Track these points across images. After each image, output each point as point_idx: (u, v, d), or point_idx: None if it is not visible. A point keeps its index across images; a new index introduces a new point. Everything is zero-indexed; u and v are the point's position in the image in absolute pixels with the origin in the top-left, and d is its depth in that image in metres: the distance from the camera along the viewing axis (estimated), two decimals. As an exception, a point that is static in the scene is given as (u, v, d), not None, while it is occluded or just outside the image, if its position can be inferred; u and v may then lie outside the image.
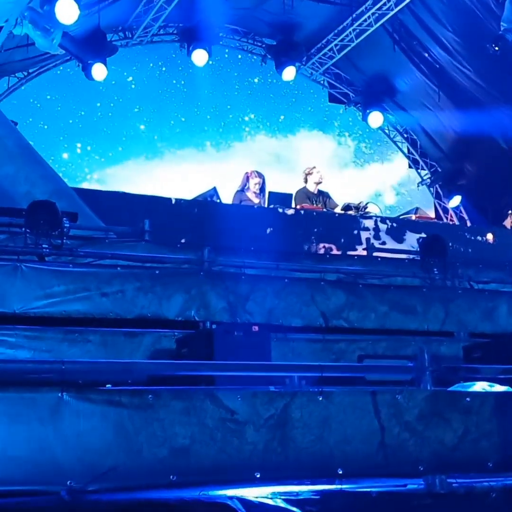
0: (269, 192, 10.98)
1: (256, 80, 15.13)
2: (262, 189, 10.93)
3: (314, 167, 11.49)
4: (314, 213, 10.60)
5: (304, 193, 11.27)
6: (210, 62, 13.87)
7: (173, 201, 9.81)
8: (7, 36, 10.05)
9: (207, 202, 10.57)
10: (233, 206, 10.67)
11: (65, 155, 13.58)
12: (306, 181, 11.42)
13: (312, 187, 11.34)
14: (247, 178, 10.98)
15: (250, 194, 10.90)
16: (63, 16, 10.17)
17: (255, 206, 10.69)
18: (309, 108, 15.59)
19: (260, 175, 11.02)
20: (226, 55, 14.82)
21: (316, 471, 4.31)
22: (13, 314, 6.27)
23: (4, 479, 3.70)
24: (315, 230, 10.19)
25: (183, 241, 8.25)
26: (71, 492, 3.77)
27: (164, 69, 14.44)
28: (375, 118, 15.12)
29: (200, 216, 9.84)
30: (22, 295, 6.35)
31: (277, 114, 15.36)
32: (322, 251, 9.92)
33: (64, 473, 3.86)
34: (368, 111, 15.03)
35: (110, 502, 3.83)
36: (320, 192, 11.38)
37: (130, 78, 14.08)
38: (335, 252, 10.02)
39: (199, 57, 13.54)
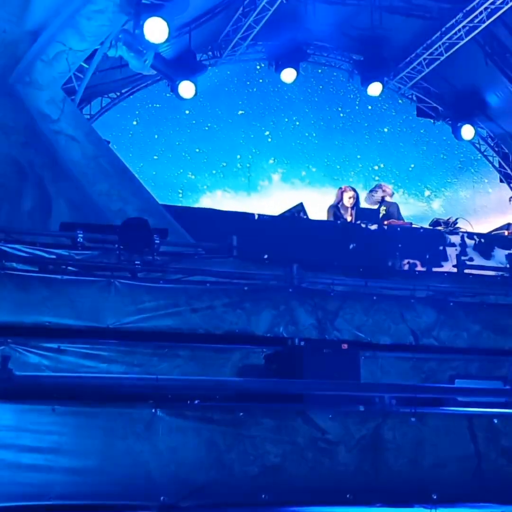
0: (356, 208, 10.91)
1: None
2: (356, 204, 10.86)
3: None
4: (398, 228, 10.46)
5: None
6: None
7: (256, 217, 9.86)
8: (102, 58, 10.37)
9: (288, 218, 10.58)
10: (314, 221, 10.63)
11: (153, 172, 13.83)
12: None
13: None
14: (341, 194, 10.95)
15: (343, 210, 10.86)
16: (153, 35, 10.40)
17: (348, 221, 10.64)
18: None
19: (353, 189, 10.98)
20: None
21: (410, 495, 4.22)
22: (106, 329, 6.40)
23: (101, 493, 3.78)
24: (400, 245, 10.03)
25: (265, 257, 8.27)
26: (164, 508, 3.82)
27: (254, 89, 14.55)
28: (467, 132, 14.84)
29: (283, 231, 9.85)
30: (115, 310, 6.48)
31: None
32: (406, 267, 9.76)
33: (157, 489, 3.91)
34: (459, 124, 14.75)
35: (202, 518, 3.86)
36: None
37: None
38: (419, 268, 9.84)
39: (288, 75, 13.63)
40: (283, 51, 13.46)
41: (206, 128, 14.11)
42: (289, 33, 13.00)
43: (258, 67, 14.42)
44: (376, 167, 14.88)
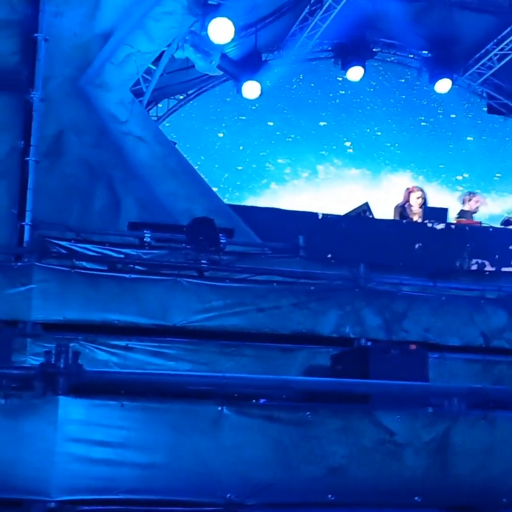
0: (424, 207, 10.75)
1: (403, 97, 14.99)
2: (424, 204, 10.71)
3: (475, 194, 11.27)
4: (467, 228, 10.25)
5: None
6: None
7: (320, 216, 9.81)
8: (169, 59, 10.50)
9: (353, 217, 10.50)
10: (379, 221, 10.53)
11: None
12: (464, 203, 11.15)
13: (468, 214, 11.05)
14: (408, 194, 10.82)
15: (410, 210, 10.73)
16: (218, 36, 10.46)
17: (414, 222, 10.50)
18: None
19: (421, 190, 10.83)
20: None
21: (478, 500, 4.13)
22: (173, 327, 6.47)
23: (168, 488, 3.82)
24: (468, 245, 9.83)
25: (329, 256, 8.21)
26: (230, 505, 3.83)
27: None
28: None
29: (348, 231, 9.78)
30: (182, 308, 6.55)
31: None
32: (475, 267, 9.56)
33: (223, 486, 3.92)
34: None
35: (268, 517, 3.85)
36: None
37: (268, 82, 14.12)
38: (488, 268, 9.63)
39: (355, 73, 13.57)
40: (350, 49, 13.38)
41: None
42: (356, 30, 12.92)
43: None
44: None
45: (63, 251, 6.84)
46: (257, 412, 4.15)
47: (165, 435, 3.91)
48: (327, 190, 13.85)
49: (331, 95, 14.64)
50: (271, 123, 14.13)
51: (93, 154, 8.50)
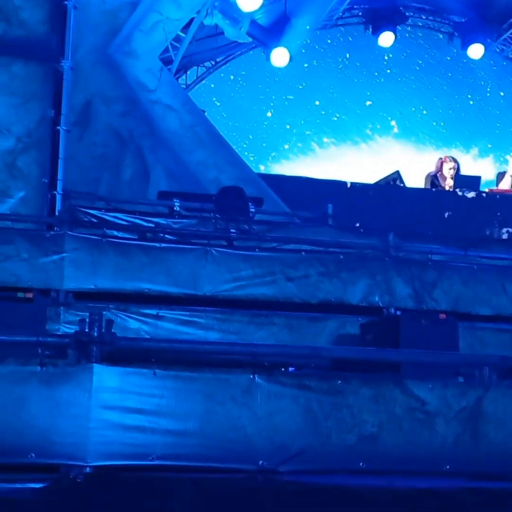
0: (455, 175, 10.63)
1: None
2: (457, 174, 10.60)
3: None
4: (497, 196, 10.12)
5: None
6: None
7: (349, 185, 9.74)
8: (198, 26, 10.41)
9: (382, 186, 10.41)
10: (408, 189, 10.42)
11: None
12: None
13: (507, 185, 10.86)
14: (441, 163, 10.71)
15: (442, 179, 10.62)
16: (247, 2, 10.34)
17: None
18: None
19: (454, 160, 10.71)
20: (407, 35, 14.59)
21: (509, 468, 4.14)
22: (203, 296, 6.51)
23: (201, 455, 3.87)
24: (498, 214, 9.70)
25: (358, 225, 8.16)
26: (263, 471, 3.87)
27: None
28: None
29: (376, 199, 9.70)
30: (212, 278, 6.57)
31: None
32: (505, 237, 9.45)
33: (256, 453, 3.97)
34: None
35: (300, 484, 3.89)
36: None
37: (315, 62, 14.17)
38: (519, 237, 9.52)
39: (386, 39, 13.39)
40: (381, 14, 13.18)
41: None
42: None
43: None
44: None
45: (94, 220, 6.88)
46: (288, 381, 4.18)
47: (197, 403, 3.96)
48: (371, 166, 13.78)
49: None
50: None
51: (122, 123, 8.50)
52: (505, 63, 14.85)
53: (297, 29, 12.18)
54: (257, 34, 11.80)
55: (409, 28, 14.46)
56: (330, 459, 4.07)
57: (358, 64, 14.46)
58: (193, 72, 13.21)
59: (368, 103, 14.53)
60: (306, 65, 14.11)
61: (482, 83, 15.00)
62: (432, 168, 10.74)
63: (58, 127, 7.35)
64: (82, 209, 6.97)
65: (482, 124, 14.63)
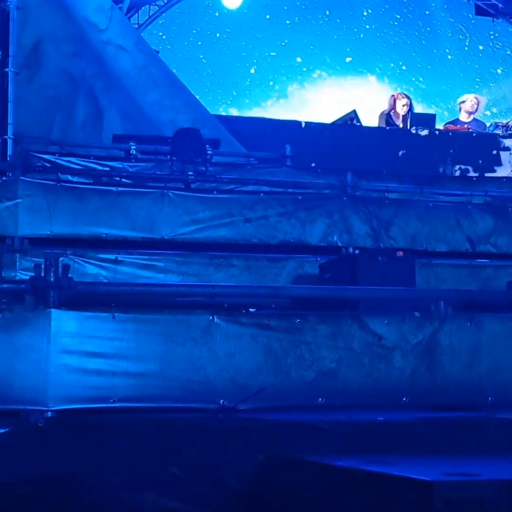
0: (411, 113, 10.62)
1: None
2: (410, 111, 10.57)
3: (470, 95, 10.99)
4: (450, 134, 10.15)
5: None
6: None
7: (303, 125, 9.68)
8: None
9: (336, 125, 10.36)
10: (362, 128, 10.38)
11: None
12: (460, 111, 10.93)
13: (464, 117, 10.85)
14: (394, 101, 10.65)
15: (396, 117, 10.59)
16: None
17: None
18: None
19: (407, 96, 10.66)
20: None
21: (465, 399, 4.26)
22: (161, 240, 6.48)
23: (162, 396, 3.91)
24: (451, 151, 9.75)
25: (313, 165, 8.13)
26: (224, 410, 3.92)
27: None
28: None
29: (332, 139, 9.66)
30: (170, 221, 6.53)
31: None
32: (458, 173, 9.52)
33: (217, 392, 4.02)
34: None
35: (260, 421, 3.96)
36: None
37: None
38: (471, 174, 9.59)
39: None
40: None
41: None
42: None
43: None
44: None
45: (48, 165, 6.74)
46: (247, 321, 4.21)
47: (157, 345, 3.98)
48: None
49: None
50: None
51: (73, 64, 8.26)
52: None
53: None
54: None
55: None
56: (290, 395, 4.15)
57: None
58: (145, 11, 12.90)
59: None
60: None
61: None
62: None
63: (6, 70, 7.14)
64: (35, 154, 6.81)
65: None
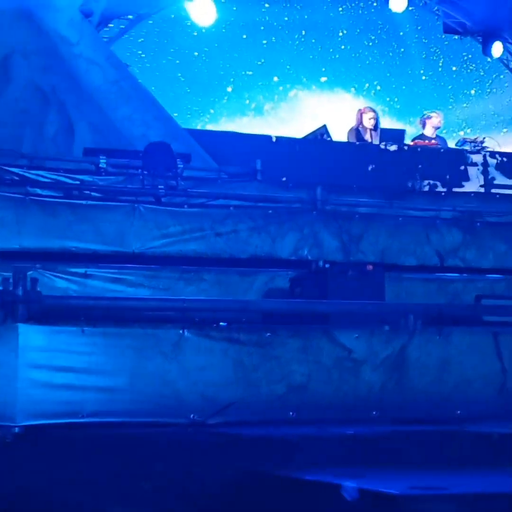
0: (380, 129, 10.74)
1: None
2: (376, 125, 10.68)
3: (434, 111, 11.12)
4: (418, 149, 10.29)
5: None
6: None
7: (274, 139, 9.73)
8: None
9: (306, 140, 10.43)
10: (333, 143, 10.47)
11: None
12: (423, 127, 11.07)
13: (429, 132, 10.99)
14: (360, 115, 10.76)
15: (364, 131, 10.70)
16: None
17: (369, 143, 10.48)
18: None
19: (373, 110, 10.77)
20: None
21: (434, 412, 4.29)
22: (132, 253, 6.45)
23: (131, 410, 3.89)
24: (420, 166, 9.87)
25: (284, 179, 8.18)
26: (194, 425, 3.91)
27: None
28: (496, 48, 14.40)
29: (302, 154, 9.73)
30: (140, 235, 6.52)
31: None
32: (427, 188, 9.65)
33: (186, 407, 4.01)
34: (488, 40, 14.30)
35: (230, 435, 3.95)
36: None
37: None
38: (440, 189, 9.73)
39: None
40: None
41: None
42: None
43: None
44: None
45: (16, 178, 6.69)
46: (217, 335, 4.21)
47: (127, 359, 3.96)
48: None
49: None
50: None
51: (44, 77, 8.23)
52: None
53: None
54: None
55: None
56: (260, 410, 4.15)
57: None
58: (116, 24, 12.91)
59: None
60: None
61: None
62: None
63: (-24, 83, 7.08)
64: (4, 167, 6.76)
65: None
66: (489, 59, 15.11)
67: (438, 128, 11.02)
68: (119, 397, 3.90)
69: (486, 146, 10.39)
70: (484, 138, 10.63)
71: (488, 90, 15.60)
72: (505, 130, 15.20)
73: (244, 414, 4.14)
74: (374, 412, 4.21)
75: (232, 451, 3.90)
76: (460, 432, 4.17)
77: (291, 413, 4.14)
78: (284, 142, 9.73)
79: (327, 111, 14.32)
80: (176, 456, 3.78)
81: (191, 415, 3.98)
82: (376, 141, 10.56)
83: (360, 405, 4.24)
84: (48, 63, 8.28)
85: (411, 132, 12.66)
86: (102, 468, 3.69)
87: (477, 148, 10.28)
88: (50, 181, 6.79)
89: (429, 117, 10.97)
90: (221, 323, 5.19)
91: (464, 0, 14.35)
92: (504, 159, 10.19)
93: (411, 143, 10.70)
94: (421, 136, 11.01)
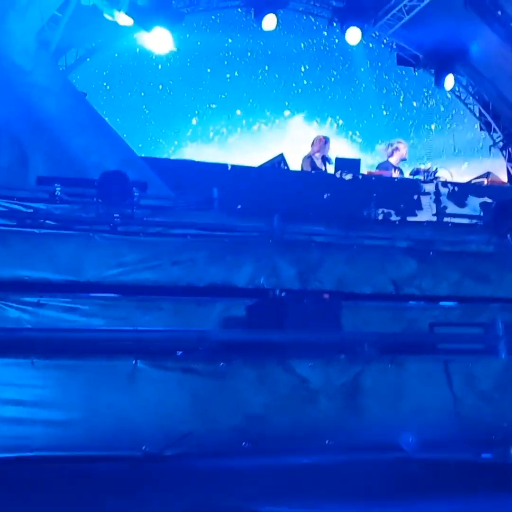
0: (336, 158, 10.87)
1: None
2: (333, 157, 10.83)
3: (400, 142, 11.33)
4: (373, 178, 10.44)
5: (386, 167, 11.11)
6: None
7: (229, 168, 9.78)
8: (75, 7, 10.12)
9: (262, 169, 10.51)
10: (289, 172, 10.58)
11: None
12: (391, 155, 11.23)
13: (395, 162, 11.16)
14: (314, 144, 10.92)
15: (316, 159, 10.83)
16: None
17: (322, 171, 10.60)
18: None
19: (326, 139, 10.94)
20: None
21: (389, 439, 4.29)
22: (86, 283, 6.37)
23: (84, 444, 3.81)
24: (374, 195, 10.01)
25: (239, 207, 8.20)
26: (149, 457, 3.85)
27: (229, 40, 14.70)
28: (449, 81, 14.71)
29: (258, 182, 9.79)
30: (95, 264, 6.44)
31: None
32: (381, 217, 9.77)
33: (141, 439, 3.95)
34: (440, 73, 14.63)
35: (185, 467, 3.90)
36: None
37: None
38: (394, 217, 9.87)
39: (269, 22, 13.38)
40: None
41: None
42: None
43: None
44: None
45: (-31, 207, 6.60)
46: (172, 365, 4.17)
47: (80, 392, 3.89)
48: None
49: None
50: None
51: (-4, 107, 8.18)
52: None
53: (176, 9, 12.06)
54: (136, 15, 11.51)
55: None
56: (216, 441, 4.10)
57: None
58: (72, 54, 12.87)
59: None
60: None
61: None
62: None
63: None
64: (-44, 196, 6.67)
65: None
66: (449, 96, 15.48)
67: (404, 159, 11.24)
68: (70, 430, 3.82)
69: (438, 176, 10.61)
70: (436, 168, 10.85)
71: (448, 125, 16.01)
72: (466, 164, 15.50)
73: (200, 445, 4.09)
74: (327, 441, 4.19)
75: (187, 483, 3.85)
76: (415, 460, 4.17)
77: (247, 444, 4.10)
78: (240, 170, 9.78)
79: (290, 143, 14.51)
80: (130, 490, 3.71)
81: (144, 447, 3.92)
82: (329, 169, 10.70)
83: (314, 434, 4.22)
84: (2, 92, 8.21)
85: (372, 162, 12.89)
86: (53, 504, 3.61)
87: (429, 177, 10.47)
88: (3, 210, 6.71)
89: (398, 149, 11.19)
90: (177, 352, 5.16)
91: (415, 33, 14.66)
92: (456, 188, 10.41)
93: (376, 171, 10.86)
94: (386, 163, 11.18)
